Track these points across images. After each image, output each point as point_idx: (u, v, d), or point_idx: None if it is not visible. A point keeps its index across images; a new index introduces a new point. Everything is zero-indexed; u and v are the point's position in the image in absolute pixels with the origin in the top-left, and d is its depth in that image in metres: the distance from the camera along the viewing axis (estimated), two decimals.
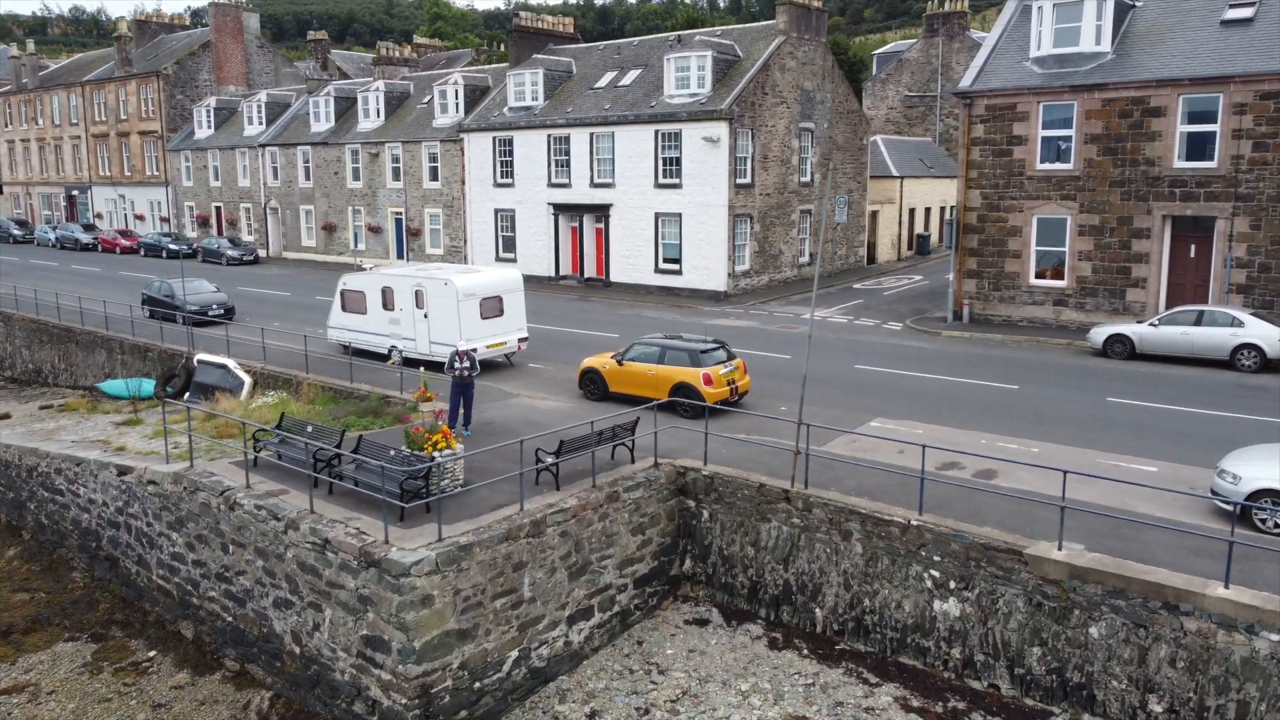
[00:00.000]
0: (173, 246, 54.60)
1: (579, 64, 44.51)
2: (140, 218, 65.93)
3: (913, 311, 33.74)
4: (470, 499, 14.86)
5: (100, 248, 60.24)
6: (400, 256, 48.99)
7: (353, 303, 26.50)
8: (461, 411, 18.88)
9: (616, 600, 15.65)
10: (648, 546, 16.19)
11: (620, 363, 21.35)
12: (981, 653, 13.51)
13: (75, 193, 71.73)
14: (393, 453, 15.01)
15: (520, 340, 25.41)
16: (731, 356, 20.92)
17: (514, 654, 13.99)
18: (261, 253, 55.65)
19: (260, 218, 56.95)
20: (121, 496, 17.90)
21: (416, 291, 24.72)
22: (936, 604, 13.93)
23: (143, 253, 56.56)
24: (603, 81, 41.84)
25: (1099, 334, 25.92)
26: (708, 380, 19.89)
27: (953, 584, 13.76)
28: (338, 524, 13.98)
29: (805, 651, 14.80)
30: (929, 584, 13.99)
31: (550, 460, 15.51)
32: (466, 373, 18.55)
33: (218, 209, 60.17)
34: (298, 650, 14.38)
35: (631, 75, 41.06)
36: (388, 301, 25.48)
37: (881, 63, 66.41)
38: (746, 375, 21.04)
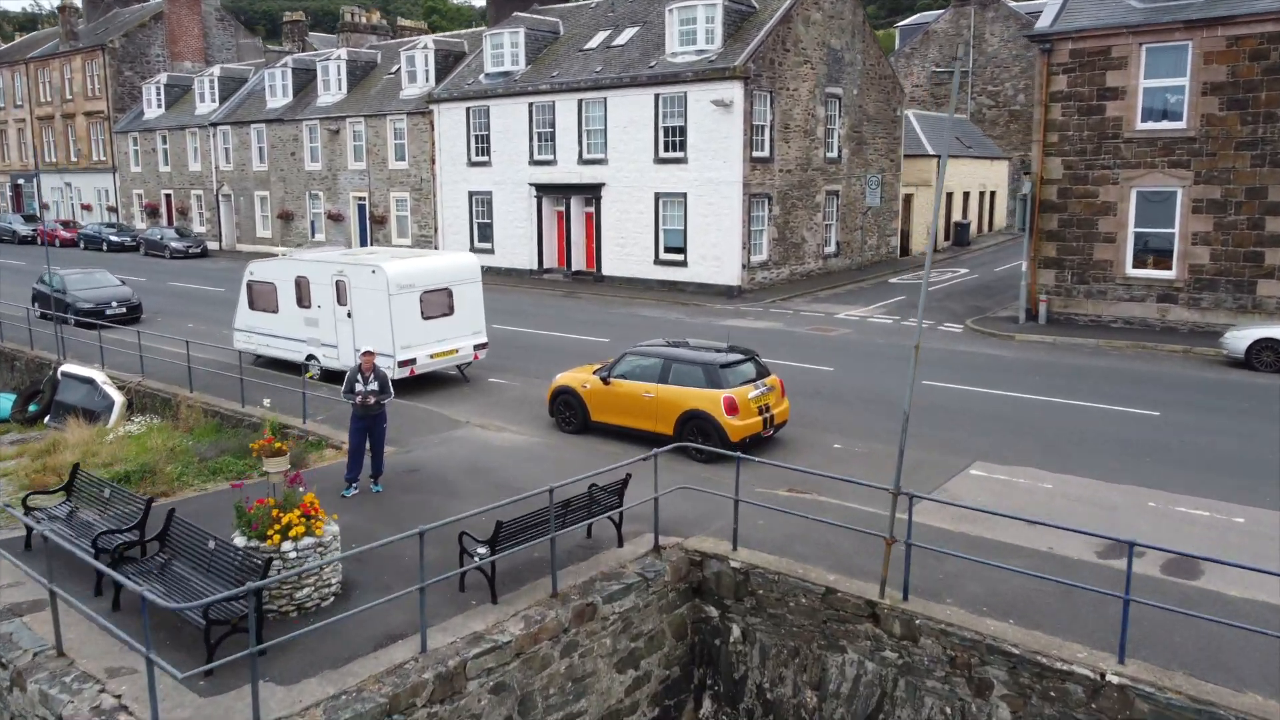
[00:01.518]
0: (114, 238, 49.96)
1: (566, 24, 38.33)
2: (87, 208, 59.72)
3: (970, 310, 27.58)
4: (345, 626, 8.73)
5: (40, 240, 54.44)
6: (364, 247, 42.76)
7: (262, 298, 20.36)
8: (369, 457, 12.76)
9: None
10: (642, 687, 10.06)
11: (606, 380, 15.19)
12: None
13: (20, 182, 65.48)
14: (212, 544, 8.91)
15: (477, 347, 19.30)
16: (764, 372, 14.75)
17: None
18: (213, 245, 49.57)
19: (212, 206, 50.75)
20: None
21: (338, 282, 18.59)
22: None
23: (83, 245, 51.15)
24: (594, 42, 35.68)
25: (1239, 339, 19.77)
26: (732, 407, 13.74)
27: None
28: (90, 683, 7.87)
29: None
30: None
31: (482, 555, 9.38)
32: (372, 399, 12.37)
33: (167, 197, 53.97)
34: None
35: (628, 33, 34.90)
36: (303, 296, 19.34)
37: (905, 36, 60.15)
38: (785, 399, 14.91)
